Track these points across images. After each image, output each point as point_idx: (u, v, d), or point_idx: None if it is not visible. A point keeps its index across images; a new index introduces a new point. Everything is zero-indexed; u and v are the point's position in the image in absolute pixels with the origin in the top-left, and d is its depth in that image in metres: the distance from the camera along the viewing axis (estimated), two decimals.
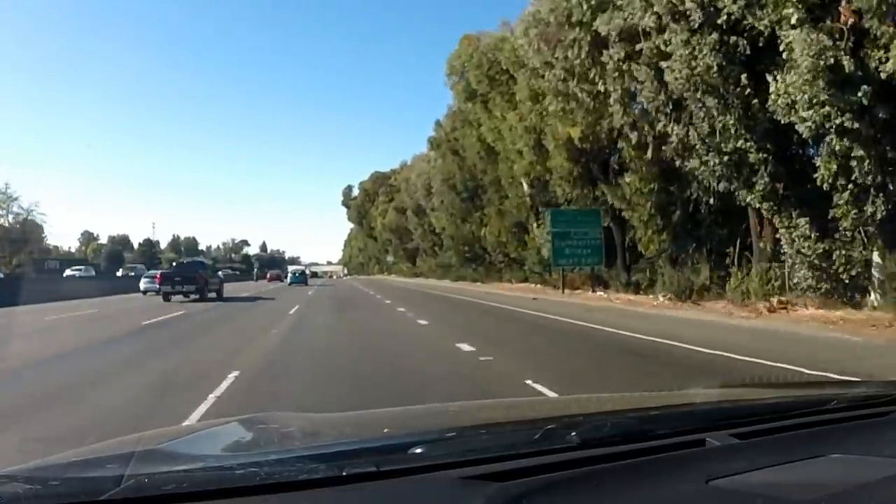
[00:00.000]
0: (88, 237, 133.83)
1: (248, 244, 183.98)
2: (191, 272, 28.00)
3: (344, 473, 1.16)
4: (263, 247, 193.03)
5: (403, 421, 2.06)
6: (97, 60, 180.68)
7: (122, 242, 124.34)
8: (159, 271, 35.34)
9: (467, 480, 1.17)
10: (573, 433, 1.37)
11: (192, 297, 26.87)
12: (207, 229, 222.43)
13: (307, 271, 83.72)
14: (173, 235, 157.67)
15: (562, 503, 1.15)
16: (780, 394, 2.36)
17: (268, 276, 78.10)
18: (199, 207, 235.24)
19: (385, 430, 1.78)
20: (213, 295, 28.55)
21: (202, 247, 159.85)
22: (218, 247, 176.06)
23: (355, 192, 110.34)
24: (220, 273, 35.34)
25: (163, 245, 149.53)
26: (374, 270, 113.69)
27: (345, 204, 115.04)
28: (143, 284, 36.15)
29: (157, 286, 28.18)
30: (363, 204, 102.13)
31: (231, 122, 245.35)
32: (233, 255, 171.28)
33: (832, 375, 7.04)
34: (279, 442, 1.64)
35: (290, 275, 57.36)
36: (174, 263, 34.99)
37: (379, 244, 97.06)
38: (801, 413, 1.70)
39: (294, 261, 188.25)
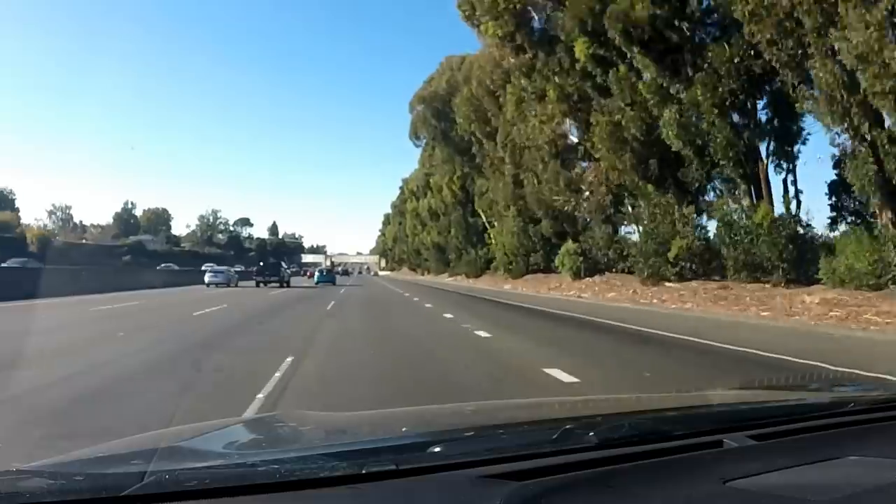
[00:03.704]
0: None
1: (249, 224, 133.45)
2: (276, 269, 42.30)
3: (363, 471, 1.17)
4: (273, 229, 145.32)
5: (422, 420, 2.07)
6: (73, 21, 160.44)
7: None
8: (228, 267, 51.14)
9: (486, 479, 1.17)
10: (591, 433, 1.38)
11: (273, 284, 39.98)
12: (224, 204, 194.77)
13: (330, 263, 78.30)
14: (125, 203, 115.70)
15: (579, 502, 1.16)
16: (797, 396, 2.35)
17: (307, 272, 77.14)
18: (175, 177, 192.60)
19: (404, 429, 1.79)
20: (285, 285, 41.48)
21: (177, 223, 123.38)
22: (189, 227, 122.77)
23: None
24: (288, 270, 47.01)
25: (96, 219, 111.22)
26: (489, 258, 45.97)
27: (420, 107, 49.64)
28: (207, 278, 40.83)
29: (218, 280, 39.80)
30: None
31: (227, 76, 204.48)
32: (215, 237, 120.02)
33: None
34: (299, 440, 1.66)
35: (316, 273, 53.25)
36: (262, 263, 45.43)
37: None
38: (819, 415, 1.70)
39: (318, 250, 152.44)
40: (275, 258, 60.94)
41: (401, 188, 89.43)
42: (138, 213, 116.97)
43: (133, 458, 1.30)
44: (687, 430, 1.50)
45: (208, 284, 39.35)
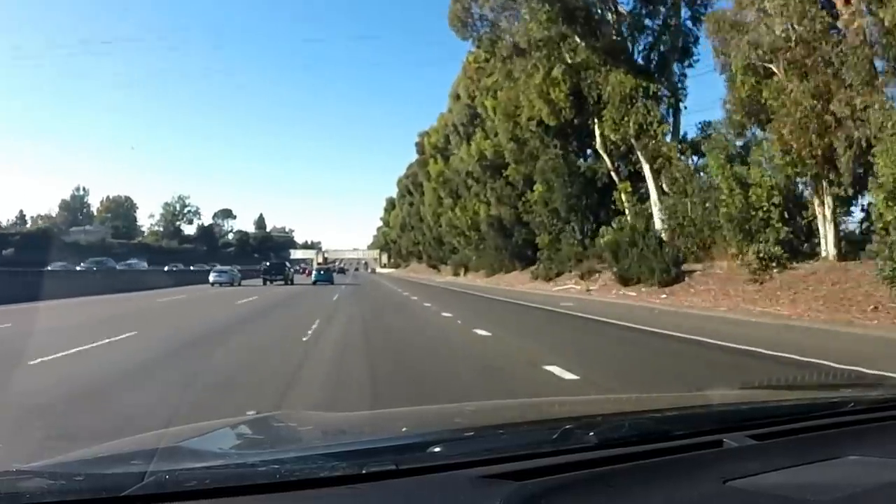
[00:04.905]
0: None
1: (232, 215, 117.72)
2: (281, 268, 47.29)
3: (363, 471, 1.17)
4: (260, 222, 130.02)
5: (422, 420, 2.08)
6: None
7: None
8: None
9: (486, 479, 1.17)
10: (591, 433, 1.38)
11: (278, 282, 44.06)
12: (216, 201, 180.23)
13: (322, 258, 76.54)
14: (75, 189, 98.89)
15: (580, 502, 1.16)
16: (797, 396, 2.35)
17: (306, 271, 74.47)
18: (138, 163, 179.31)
19: (404, 429, 1.79)
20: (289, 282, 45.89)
21: (142, 212, 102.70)
22: (153, 216, 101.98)
23: None
24: (291, 270, 51.32)
25: (29, 211, 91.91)
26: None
27: None
28: (212, 277, 42.17)
29: (222, 279, 40.87)
30: None
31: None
32: (179, 226, 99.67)
33: None
34: (299, 440, 1.67)
35: (314, 272, 50.60)
36: (268, 263, 49.95)
37: None
38: (819, 415, 1.70)
39: (313, 246, 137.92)
40: (259, 254, 62.78)
41: (417, 145, 62.78)
42: (94, 200, 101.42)
43: (133, 458, 1.30)
44: (687, 430, 1.50)
45: (213, 283, 40.75)
